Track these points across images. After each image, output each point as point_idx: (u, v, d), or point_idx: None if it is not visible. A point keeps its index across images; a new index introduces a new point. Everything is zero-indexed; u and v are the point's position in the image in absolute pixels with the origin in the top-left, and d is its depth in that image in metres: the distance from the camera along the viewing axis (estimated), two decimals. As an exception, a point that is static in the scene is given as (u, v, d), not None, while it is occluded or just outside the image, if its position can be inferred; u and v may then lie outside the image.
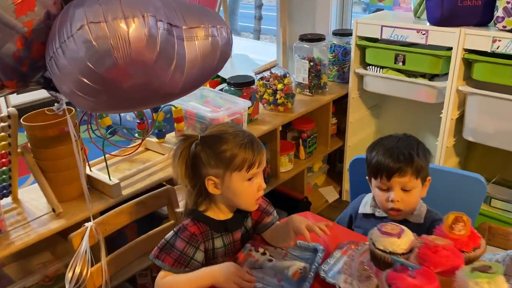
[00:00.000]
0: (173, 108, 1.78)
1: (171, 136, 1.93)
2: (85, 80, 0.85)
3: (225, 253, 1.22)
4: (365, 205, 1.41)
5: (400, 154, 1.26)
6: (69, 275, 1.25)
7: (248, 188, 1.15)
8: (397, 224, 0.78)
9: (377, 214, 1.38)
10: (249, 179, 1.14)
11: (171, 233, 1.17)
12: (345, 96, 2.55)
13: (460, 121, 2.23)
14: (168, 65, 0.88)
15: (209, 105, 1.94)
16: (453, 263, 0.70)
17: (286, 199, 2.38)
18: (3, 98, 3.59)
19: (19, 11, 0.97)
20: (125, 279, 1.71)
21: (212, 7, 1.91)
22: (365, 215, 1.41)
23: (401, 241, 0.75)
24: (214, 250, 1.20)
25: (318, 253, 1.20)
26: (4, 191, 1.52)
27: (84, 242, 1.28)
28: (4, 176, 1.48)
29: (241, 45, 4.90)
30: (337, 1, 2.84)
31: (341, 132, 2.71)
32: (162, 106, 1.80)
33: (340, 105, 2.65)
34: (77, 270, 1.25)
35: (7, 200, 1.56)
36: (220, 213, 1.21)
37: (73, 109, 1.54)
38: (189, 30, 0.92)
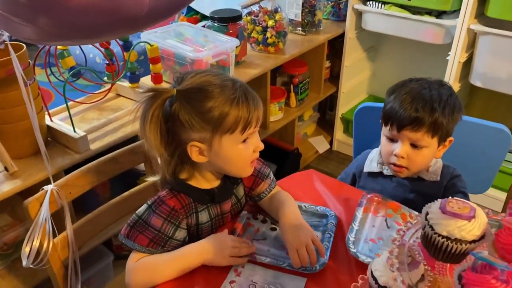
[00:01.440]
0: (148, 47, 1.49)
1: (146, 80, 1.66)
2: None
3: (212, 229, 1.00)
4: (371, 162, 1.22)
5: (420, 104, 1.04)
6: (26, 249, 1.02)
7: (242, 153, 0.91)
8: (465, 200, 0.58)
9: (385, 172, 1.19)
10: (244, 141, 0.91)
11: (144, 207, 0.94)
12: (341, 36, 2.29)
13: (466, 65, 2.02)
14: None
15: (190, 44, 1.67)
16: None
17: (275, 151, 2.18)
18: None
19: None
20: (99, 243, 1.50)
21: None
22: (371, 174, 1.22)
23: (473, 224, 0.55)
24: (198, 226, 0.98)
25: (330, 219, 1.01)
26: None
27: (43, 210, 1.04)
28: None
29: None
30: None
31: (333, 77, 2.48)
32: (135, 43, 1.52)
33: (334, 46, 2.40)
34: (36, 243, 1.02)
35: (-51, 157, 1.29)
36: (204, 182, 0.98)
37: (24, 46, 1.26)
38: None
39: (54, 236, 1.08)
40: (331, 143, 2.59)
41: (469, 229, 0.54)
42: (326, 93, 2.40)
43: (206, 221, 0.99)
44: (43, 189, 1.07)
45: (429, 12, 2.02)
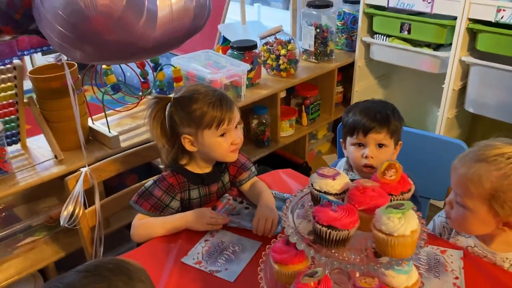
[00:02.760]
0: (173, 68, 1.85)
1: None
2: (62, 30, 0.93)
3: (200, 204, 1.31)
4: (339, 169, 1.47)
5: (377, 113, 1.30)
6: (64, 213, 1.37)
7: (222, 143, 1.22)
8: (335, 168, 0.84)
9: (349, 177, 1.43)
10: (222, 135, 1.21)
11: (150, 181, 1.27)
12: (352, 65, 2.56)
13: (462, 93, 2.22)
14: (137, 19, 0.95)
15: (210, 67, 2.01)
16: (376, 203, 0.76)
17: (286, 163, 2.45)
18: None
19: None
20: (123, 225, 1.83)
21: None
22: None
23: (335, 182, 0.81)
24: (189, 200, 1.29)
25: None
26: (13, 138, 1.65)
27: (78, 185, 1.40)
28: (12, 124, 1.61)
29: (268, 15, 4.83)
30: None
31: (346, 100, 2.74)
32: (162, 64, 1.88)
33: (347, 73, 2.67)
34: (70, 209, 1.37)
35: (17, 146, 1.69)
36: (197, 168, 1.29)
37: (75, 65, 1.65)
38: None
39: (86, 207, 1.42)
40: (343, 161, 2.82)
41: (332, 185, 0.80)
42: (338, 115, 2.66)
43: (196, 197, 1.29)
44: (79, 170, 1.42)
45: (428, 45, 2.26)
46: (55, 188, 1.78)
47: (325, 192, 0.80)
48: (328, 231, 0.73)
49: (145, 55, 1.19)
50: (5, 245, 1.63)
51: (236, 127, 1.26)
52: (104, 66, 1.83)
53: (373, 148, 1.31)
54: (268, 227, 1.16)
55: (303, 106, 2.49)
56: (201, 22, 1.13)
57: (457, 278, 1.03)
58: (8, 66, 1.46)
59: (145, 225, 1.22)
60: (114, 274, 0.70)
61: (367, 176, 1.34)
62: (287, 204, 0.86)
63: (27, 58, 3.77)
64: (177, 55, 2.19)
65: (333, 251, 0.75)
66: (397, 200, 0.80)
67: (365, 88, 2.64)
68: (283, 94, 2.39)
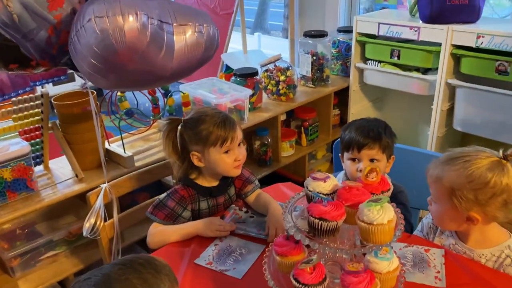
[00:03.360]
0: (181, 94, 2.03)
1: (181, 120, 2.19)
2: (94, 61, 1.10)
3: (209, 214, 1.45)
4: (338, 181, 1.62)
5: (370, 131, 1.46)
6: (86, 225, 1.52)
7: (225, 160, 1.37)
8: (326, 173, 0.99)
9: None
10: (226, 152, 1.37)
11: (164, 194, 1.43)
12: (347, 89, 2.74)
13: (450, 113, 2.39)
14: (158, 52, 1.13)
15: (216, 93, 2.19)
16: (360, 199, 0.91)
17: (286, 181, 2.59)
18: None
19: (51, 7, 1.24)
20: (135, 241, 1.97)
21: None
22: None
23: (326, 184, 0.96)
24: (199, 211, 1.44)
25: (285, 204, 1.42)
26: (37, 159, 1.81)
27: (98, 200, 1.55)
28: (37, 146, 1.77)
29: (268, 43, 5.07)
30: (345, 0, 3.04)
31: (343, 122, 2.90)
32: (172, 91, 2.06)
33: (343, 97, 2.84)
34: (92, 221, 1.51)
35: (40, 167, 1.85)
36: (206, 182, 1.45)
37: (94, 92, 1.82)
38: (179, 26, 1.16)
39: (105, 220, 1.57)
40: (342, 180, 2.96)
41: (323, 186, 0.95)
42: (335, 136, 2.81)
43: (205, 208, 1.44)
44: (100, 186, 1.58)
45: (417, 69, 2.44)
46: (73, 207, 1.94)
47: (317, 193, 0.95)
48: (320, 222, 0.88)
49: (162, 82, 1.36)
50: (29, 258, 1.77)
51: (239, 145, 1.41)
52: (119, 93, 2.01)
53: (367, 163, 1.46)
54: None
55: (302, 128, 2.65)
56: (211, 53, 1.30)
57: (438, 272, 1.17)
58: (37, 94, 1.63)
59: (161, 232, 1.36)
60: (144, 268, 0.84)
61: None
62: (285, 205, 1.00)
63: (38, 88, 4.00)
64: (183, 83, 2.38)
65: (325, 240, 0.90)
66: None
67: (360, 110, 2.80)
68: (283, 117, 2.55)
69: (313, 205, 0.90)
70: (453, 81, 2.25)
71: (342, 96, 2.83)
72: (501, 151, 1.13)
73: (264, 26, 8.31)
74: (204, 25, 1.27)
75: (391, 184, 0.99)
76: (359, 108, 2.80)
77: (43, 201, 1.65)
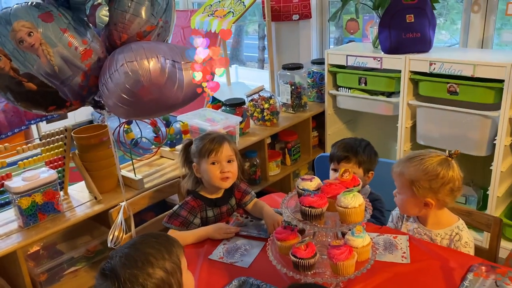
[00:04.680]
0: (181, 123, 2.33)
1: (179, 146, 2.48)
2: (124, 96, 1.41)
3: (215, 221, 1.74)
4: None
5: (349, 148, 1.79)
6: (110, 237, 1.78)
7: (212, 170, 1.66)
8: (312, 175, 1.30)
9: None
10: (212, 163, 1.66)
11: (177, 206, 1.71)
12: (323, 113, 3.09)
13: (414, 129, 2.75)
14: (172, 86, 1.45)
15: (209, 121, 2.50)
16: (338, 192, 1.22)
17: (275, 197, 2.89)
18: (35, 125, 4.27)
19: (83, 57, 1.55)
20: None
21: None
22: None
23: (312, 183, 1.27)
24: (207, 218, 1.73)
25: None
26: (59, 186, 2.07)
27: (119, 215, 1.82)
28: (59, 174, 2.03)
29: (245, 74, 5.43)
30: (316, 36, 3.43)
31: (322, 143, 3.24)
32: (173, 122, 2.36)
33: (320, 120, 3.19)
34: (116, 234, 1.78)
35: (61, 192, 2.10)
36: (210, 195, 1.73)
37: (107, 126, 2.11)
38: (185, 64, 1.49)
39: (126, 233, 1.83)
40: (324, 195, 3.28)
41: (310, 184, 1.26)
42: (315, 155, 3.12)
43: (211, 216, 1.73)
44: (119, 204, 1.85)
45: (382, 93, 2.81)
46: (88, 228, 2.19)
47: (304, 189, 1.26)
48: (310, 209, 1.17)
49: (173, 109, 1.68)
50: (54, 273, 2.00)
51: (229, 162, 1.69)
52: (126, 126, 2.30)
53: None
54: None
55: (286, 149, 2.97)
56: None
57: (404, 252, 1.48)
58: (62, 129, 1.91)
59: (178, 237, 1.63)
60: (161, 236, 1.12)
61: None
62: (282, 200, 1.31)
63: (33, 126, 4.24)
64: (175, 116, 2.68)
65: (314, 223, 1.20)
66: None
67: (336, 131, 3.15)
68: (268, 140, 2.87)
69: (303, 198, 1.20)
70: (414, 102, 2.62)
71: (319, 120, 3.17)
72: (447, 151, 1.47)
73: (240, 58, 8.73)
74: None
75: (360, 180, 1.30)
76: (335, 129, 3.15)
77: (68, 220, 1.90)
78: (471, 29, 2.78)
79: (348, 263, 1.17)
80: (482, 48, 2.78)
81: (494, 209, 2.45)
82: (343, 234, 1.28)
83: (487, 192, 2.45)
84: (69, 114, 4.56)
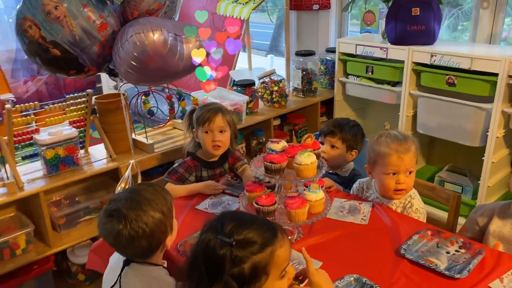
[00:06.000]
0: (192, 98, 2.58)
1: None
2: (133, 62, 1.66)
3: (208, 180, 1.97)
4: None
5: (337, 125, 1.98)
6: (118, 188, 2.05)
7: (205, 138, 1.89)
8: (280, 139, 1.51)
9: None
10: (206, 132, 1.88)
11: (176, 163, 1.96)
12: (333, 99, 3.25)
13: (414, 118, 2.87)
14: (174, 56, 1.68)
15: (220, 99, 2.73)
16: (296, 151, 1.42)
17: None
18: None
19: (99, 29, 1.81)
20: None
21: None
22: None
23: (279, 145, 1.47)
24: (201, 177, 1.97)
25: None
26: (80, 144, 2.36)
27: (128, 170, 2.08)
28: (81, 134, 2.33)
29: (281, 64, 5.62)
30: (335, 26, 3.59)
31: (330, 128, 3.41)
32: (184, 96, 2.61)
33: (330, 107, 3.35)
34: (122, 185, 2.04)
35: (82, 151, 2.40)
36: (206, 158, 1.96)
37: (126, 94, 2.38)
38: (186, 38, 1.72)
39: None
40: (330, 178, 3.45)
41: (276, 146, 1.46)
42: (322, 139, 3.32)
43: (206, 176, 1.97)
44: (129, 162, 2.11)
45: (388, 82, 2.94)
46: (104, 184, 2.47)
47: (271, 149, 1.47)
48: (270, 164, 1.38)
49: (175, 78, 1.92)
50: (71, 219, 2.30)
51: (221, 132, 1.91)
52: (143, 97, 2.56)
53: (328, 147, 1.97)
54: None
55: (293, 131, 3.17)
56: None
57: (365, 215, 1.66)
58: (84, 93, 2.20)
59: (173, 189, 1.88)
60: (156, 187, 1.36)
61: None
62: (252, 160, 1.52)
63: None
64: (189, 93, 2.92)
65: (276, 176, 1.40)
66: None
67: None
68: (277, 122, 3.08)
69: (266, 155, 1.41)
70: (415, 92, 2.74)
71: (329, 106, 3.34)
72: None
73: (279, 49, 8.91)
74: (200, 39, 1.83)
75: (320, 144, 1.50)
76: (343, 116, 3.30)
77: (85, 173, 2.19)
78: (480, 25, 2.86)
79: (300, 211, 1.37)
80: (490, 43, 2.86)
81: (485, 198, 2.56)
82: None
83: (483, 183, 2.55)
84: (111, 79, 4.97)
